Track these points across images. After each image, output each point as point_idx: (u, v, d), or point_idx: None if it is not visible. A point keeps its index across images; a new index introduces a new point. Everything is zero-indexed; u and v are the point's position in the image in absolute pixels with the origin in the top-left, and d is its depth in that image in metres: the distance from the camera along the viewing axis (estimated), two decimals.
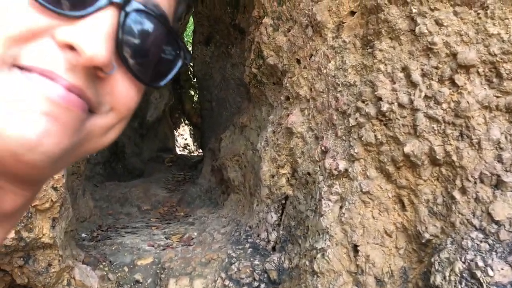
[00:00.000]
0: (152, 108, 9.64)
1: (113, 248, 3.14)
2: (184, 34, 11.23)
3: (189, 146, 11.97)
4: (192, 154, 11.47)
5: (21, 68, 0.46)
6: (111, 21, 0.49)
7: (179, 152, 10.93)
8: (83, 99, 0.49)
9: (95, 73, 0.49)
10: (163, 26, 0.55)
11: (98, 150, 0.58)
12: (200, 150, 10.58)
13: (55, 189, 2.08)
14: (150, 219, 4.42)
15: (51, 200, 2.04)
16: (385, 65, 1.90)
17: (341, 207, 2.09)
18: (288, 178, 2.72)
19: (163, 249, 3.13)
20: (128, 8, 0.51)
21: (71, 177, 3.55)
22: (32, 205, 2.03)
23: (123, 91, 0.54)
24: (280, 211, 2.77)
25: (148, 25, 0.54)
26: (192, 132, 12.33)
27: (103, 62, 0.48)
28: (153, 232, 3.62)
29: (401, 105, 1.82)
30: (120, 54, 0.51)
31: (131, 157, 8.00)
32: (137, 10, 0.52)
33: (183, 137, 12.19)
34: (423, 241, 1.69)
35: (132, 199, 4.92)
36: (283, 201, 2.75)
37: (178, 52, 0.58)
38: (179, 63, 0.58)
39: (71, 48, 0.46)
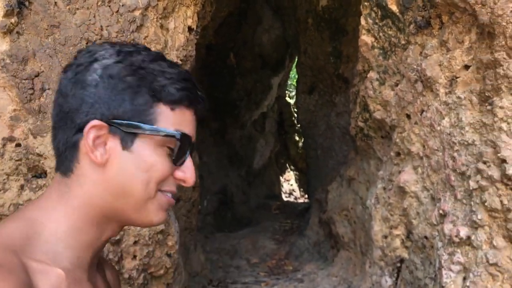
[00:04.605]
0: (258, 155, 9.83)
1: None
2: (288, 82, 11.46)
3: (294, 191, 11.95)
4: (298, 200, 11.42)
5: (161, 191, 0.97)
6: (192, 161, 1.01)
7: (285, 199, 10.94)
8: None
9: None
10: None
11: None
12: (306, 196, 10.50)
13: (169, 255, 2.16)
14: (259, 273, 4.41)
15: (165, 267, 2.12)
16: (508, 123, 1.74)
17: (464, 279, 1.90)
18: (402, 240, 2.56)
19: None
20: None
21: (184, 232, 3.68)
22: (148, 271, 2.13)
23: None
24: (395, 275, 2.60)
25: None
26: (297, 178, 12.32)
27: (193, 184, 1.00)
28: None
29: None
30: None
31: (239, 206, 8.16)
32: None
33: (289, 182, 12.21)
34: None
35: (241, 252, 4.96)
36: (398, 265, 2.58)
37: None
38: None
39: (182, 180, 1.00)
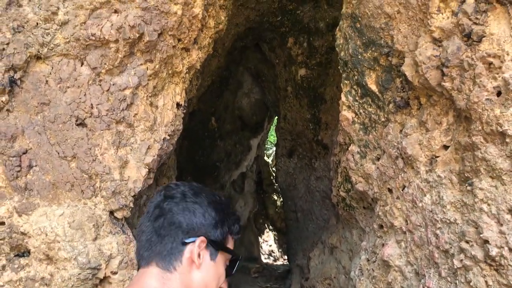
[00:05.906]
0: None
1: None
2: (265, 142, 11.61)
3: (273, 252, 11.79)
4: (277, 261, 11.25)
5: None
6: None
7: (264, 260, 10.77)
8: None
9: None
10: None
11: None
12: (285, 257, 10.38)
13: None
14: None
15: None
16: (488, 205, 1.81)
17: None
18: None
19: None
20: None
21: None
22: None
23: None
24: None
25: None
26: (276, 238, 12.20)
27: None
28: None
29: None
30: None
31: None
32: None
33: (268, 243, 12.06)
34: None
35: None
36: None
37: None
38: None
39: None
